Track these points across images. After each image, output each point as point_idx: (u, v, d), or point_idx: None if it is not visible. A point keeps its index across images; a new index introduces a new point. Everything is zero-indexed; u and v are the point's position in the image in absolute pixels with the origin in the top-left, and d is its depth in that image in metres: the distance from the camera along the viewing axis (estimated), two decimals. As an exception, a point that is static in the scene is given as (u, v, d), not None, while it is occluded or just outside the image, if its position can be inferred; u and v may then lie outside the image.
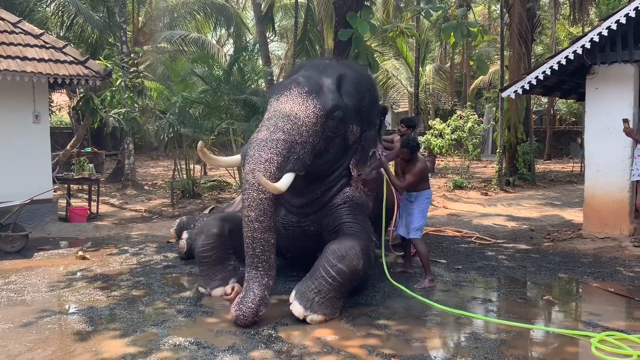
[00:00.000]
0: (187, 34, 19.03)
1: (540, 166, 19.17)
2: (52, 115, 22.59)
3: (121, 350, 4.15)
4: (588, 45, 7.53)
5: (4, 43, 8.43)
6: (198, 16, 20.01)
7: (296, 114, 4.99)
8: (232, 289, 5.11)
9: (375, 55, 14.52)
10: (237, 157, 5.28)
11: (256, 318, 4.63)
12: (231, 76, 11.77)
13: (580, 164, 16.68)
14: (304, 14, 14.22)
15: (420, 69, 18.67)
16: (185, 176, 12.62)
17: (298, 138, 4.90)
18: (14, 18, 9.15)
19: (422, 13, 9.66)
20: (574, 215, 9.98)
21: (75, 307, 5.23)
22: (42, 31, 9.29)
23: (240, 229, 4.89)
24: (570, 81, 9.05)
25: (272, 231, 4.72)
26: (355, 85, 5.57)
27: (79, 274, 6.43)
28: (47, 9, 17.81)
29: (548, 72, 7.93)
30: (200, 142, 5.01)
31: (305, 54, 13.49)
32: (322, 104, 5.13)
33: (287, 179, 4.74)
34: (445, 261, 6.93)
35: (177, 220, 8.39)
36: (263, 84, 15.05)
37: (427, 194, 6.13)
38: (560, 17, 23.83)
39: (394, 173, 6.37)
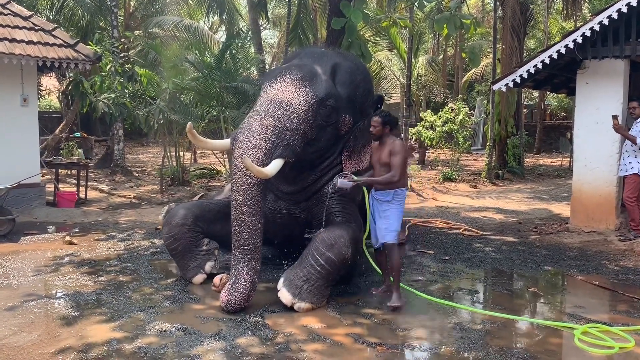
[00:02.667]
0: (179, 20, 18.85)
1: (530, 160, 19.29)
2: (41, 99, 22.45)
3: (107, 335, 4.14)
4: (579, 40, 7.55)
5: (-9, 24, 8.32)
6: (190, 1, 19.82)
7: (288, 101, 4.99)
8: (220, 279, 5.13)
9: (369, 46, 14.47)
10: (226, 141, 5.26)
11: (247, 303, 4.66)
12: (223, 63, 11.69)
13: (569, 159, 16.80)
14: (297, 2, 14.13)
15: (413, 60, 18.62)
16: (174, 163, 12.56)
17: (288, 125, 4.90)
18: (2, -1, 9.02)
19: (416, 4, 9.59)
20: (562, 209, 10.07)
21: (61, 292, 5.21)
22: (31, 13, 9.17)
23: (214, 214, 5.21)
24: (561, 75, 9.09)
25: (260, 216, 4.74)
26: (349, 74, 5.56)
27: (66, 258, 6.39)
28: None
29: (539, 65, 7.95)
30: (189, 123, 4.96)
31: (297, 42, 13.40)
32: (314, 91, 5.12)
33: (275, 165, 4.73)
34: (432, 252, 6.97)
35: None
36: (255, 71, 14.97)
37: (404, 192, 5.08)
38: (554, 11, 23.88)
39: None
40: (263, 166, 4.65)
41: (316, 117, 5.13)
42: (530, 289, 5.59)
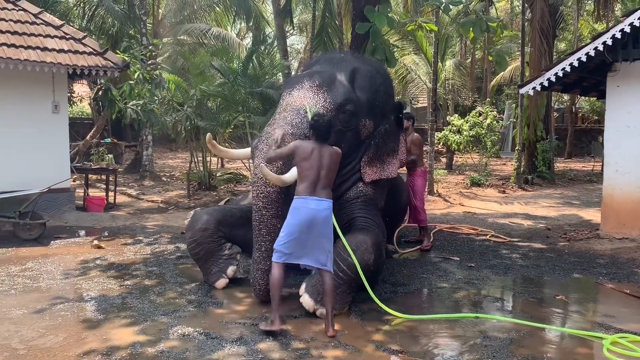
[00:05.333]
0: (207, 28, 19.10)
1: (561, 165, 18.92)
2: (73, 106, 22.97)
3: (131, 339, 4.19)
4: (609, 42, 7.37)
5: (25, 34, 8.56)
6: (218, 9, 20.07)
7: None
8: None
9: (395, 50, 14.38)
10: (247, 150, 5.32)
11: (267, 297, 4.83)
12: (248, 69, 11.79)
13: (601, 163, 16.41)
14: (322, 7, 14.17)
15: (440, 64, 18.49)
16: (202, 168, 12.70)
17: (307, 132, 4.90)
18: (35, 9, 9.29)
19: (441, 7, 9.51)
20: (593, 215, 9.83)
21: (88, 295, 5.30)
22: (62, 22, 9.41)
23: (236, 219, 5.49)
24: (591, 78, 8.88)
25: (279, 218, 4.81)
26: (369, 79, 5.55)
27: (93, 262, 6.51)
28: (69, 0, 18.01)
29: (568, 68, 7.79)
30: (208, 134, 5.06)
31: (323, 47, 13.41)
32: (332, 97, 5.13)
33: (294, 172, 4.74)
34: (458, 259, 6.87)
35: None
36: (281, 77, 15.05)
37: (295, 202, 4.47)
38: (584, 13, 23.41)
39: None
40: (282, 174, 4.67)
41: (335, 123, 5.13)
42: (558, 297, 5.46)
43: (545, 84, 8.12)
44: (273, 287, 4.40)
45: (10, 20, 8.72)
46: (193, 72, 12.52)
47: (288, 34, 22.16)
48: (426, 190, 10.22)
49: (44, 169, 8.80)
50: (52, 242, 7.57)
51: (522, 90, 8.73)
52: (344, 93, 5.23)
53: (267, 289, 4.70)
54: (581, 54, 7.65)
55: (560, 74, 7.90)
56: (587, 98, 22.41)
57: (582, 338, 4.40)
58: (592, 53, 7.53)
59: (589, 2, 21.96)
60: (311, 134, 4.65)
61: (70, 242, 7.62)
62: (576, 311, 5.20)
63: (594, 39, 7.71)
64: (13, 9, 9.00)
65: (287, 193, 4.91)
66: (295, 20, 20.44)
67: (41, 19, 9.07)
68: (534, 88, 8.32)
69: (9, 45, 8.18)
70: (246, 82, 11.47)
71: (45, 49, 8.49)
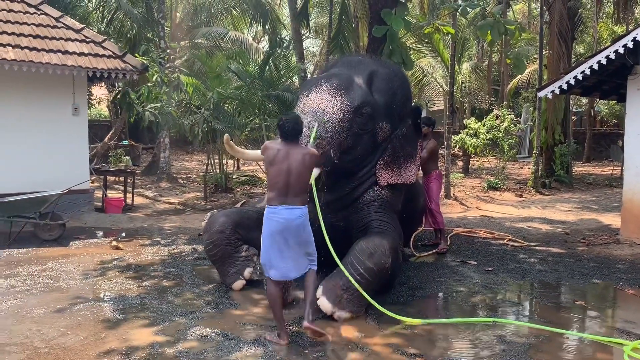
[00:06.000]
0: (224, 32, 19.22)
1: (579, 169, 18.70)
2: (91, 108, 23.25)
3: (149, 339, 4.24)
4: (630, 45, 7.28)
5: (46, 37, 8.69)
6: (234, 12, 20.19)
7: (323, 110, 5.02)
8: None
9: (411, 53, 14.36)
10: None
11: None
12: (265, 72, 11.85)
13: (620, 167, 16.18)
14: (338, 10, 14.17)
15: (457, 67, 18.37)
16: (218, 170, 12.77)
17: (324, 134, 4.91)
18: (56, 13, 9.43)
19: (459, 10, 9.48)
20: (612, 219, 9.71)
21: (107, 295, 5.37)
22: (82, 26, 9.53)
23: (253, 221, 5.32)
24: (611, 81, 8.78)
25: None
26: (386, 82, 5.55)
27: (112, 263, 6.58)
28: (88, 4, 18.26)
29: (587, 72, 7.72)
30: (226, 134, 5.08)
31: (339, 50, 13.41)
32: (350, 99, 5.14)
33: (314, 173, 4.75)
34: (475, 263, 6.83)
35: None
36: (297, 80, 15.09)
37: (268, 212, 4.27)
38: (604, 15, 23.15)
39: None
40: None
41: (352, 126, 5.14)
42: (577, 302, 5.40)
43: (565, 87, 8.05)
44: (272, 304, 4.22)
45: (32, 24, 8.87)
46: (210, 75, 12.62)
47: (304, 37, 22.23)
48: (442, 193, 10.18)
49: (64, 170, 8.91)
50: (71, 242, 7.67)
51: (541, 94, 8.66)
52: (361, 95, 5.23)
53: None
54: (601, 57, 7.57)
55: (580, 77, 7.83)
56: (605, 101, 22.17)
57: (601, 344, 4.35)
58: (613, 56, 7.44)
59: (609, 4, 21.71)
60: (279, 134, 4.35)
61: (89, 243, 7.71)
62: (595, 317, 5.13)
63: (614, 41, 7.63)
64: (35, 13, 9.16)
65: None
66: (311, 23, 20.49)
67: (62, 23, 9.21)
68: (552, 91, 8.25)
69: (30, 49, 8.32)
70: (263, 85, 11.53)
71: (66, 52, 8.61)
